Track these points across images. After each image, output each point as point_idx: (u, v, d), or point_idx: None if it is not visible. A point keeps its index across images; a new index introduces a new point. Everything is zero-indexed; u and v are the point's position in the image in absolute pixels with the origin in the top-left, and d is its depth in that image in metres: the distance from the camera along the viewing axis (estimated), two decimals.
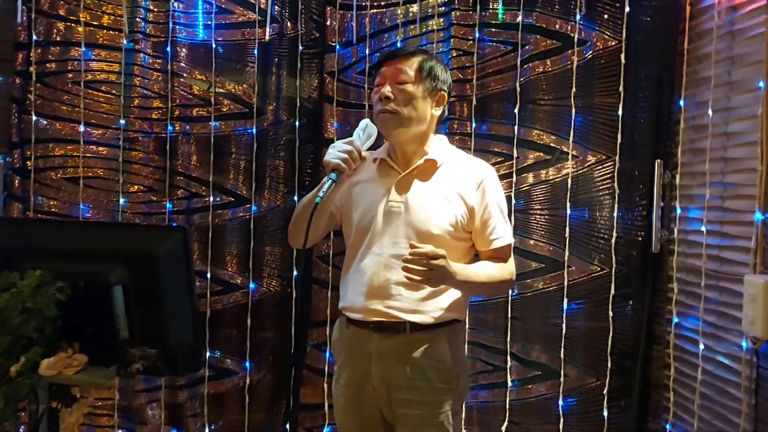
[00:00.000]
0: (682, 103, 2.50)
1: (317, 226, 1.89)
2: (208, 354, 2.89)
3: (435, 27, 2.84)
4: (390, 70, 1.92)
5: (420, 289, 1.86)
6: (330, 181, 1.78)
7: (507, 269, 1.95)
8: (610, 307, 2.67)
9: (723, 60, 2.24)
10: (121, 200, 2.93)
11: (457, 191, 1.92)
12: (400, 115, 1.89)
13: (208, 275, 2.92)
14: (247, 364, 2.93)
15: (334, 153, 1.83)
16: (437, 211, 1.90)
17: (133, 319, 1.63)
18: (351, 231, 1.98)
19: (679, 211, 2.52)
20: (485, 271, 1.91)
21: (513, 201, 2.75)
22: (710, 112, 2.27)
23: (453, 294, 1.92)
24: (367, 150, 1.94)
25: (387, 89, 1.89)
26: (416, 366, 1.88)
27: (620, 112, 2.63)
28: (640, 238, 2.63)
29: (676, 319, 2.51)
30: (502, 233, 1.94)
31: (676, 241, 2.53)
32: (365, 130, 1.93)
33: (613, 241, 2.66)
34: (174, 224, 2.85)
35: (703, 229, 2.30)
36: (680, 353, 2.49)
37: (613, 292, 2.66)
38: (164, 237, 1.71)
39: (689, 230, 2.46)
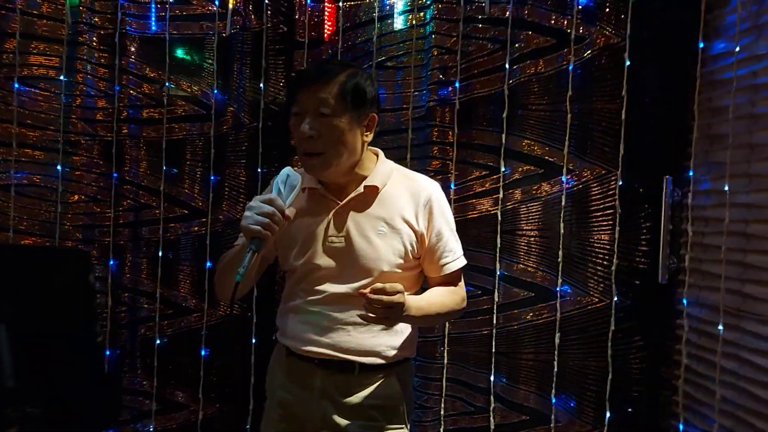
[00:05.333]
0: (695, 109, 2.39)
1: (248, 279, 1.75)
2: (155, 384, 2.78)
3: (415, 22, 2.71)
4: (308, 98, 1.77)
5: (370, 327, 1.81)
6: (251, 252, 1.61)
7: (459, 295, 1.92)
8: (609, 344, 2.54)
9: (747, 59, 2.13)
10: (59, 211, 2.80)
11: (404, 217, 1.84)
12: (327, 157, 1.77)
13: (158, 297, 2.81)
14: (201, 396, 2.80)
15: (253, 217, 1.64)
16: (384, 245, 1.81)
17: (22, 365, 1.44)
18: (290, 267, 1.90)
19: (691, 235, 2.39)
20: (438, 301, 1.86)
21: (499, 219, 2.63)
22: (731, 120, 2.17)
23: (404, 332, 1.88)
24: (290, 206, 1.72)
25: (307, 126, 1.74)
26: (363, 407, 1.84)
27: (623, 120, 2.51)
28: (644, 266, 2.52)
29: (686, 361, 2.39)
30: (453, 257, 1.91)
31: (687, 270, 2.41)
32: (286, 182, 1.71)
33: (613, 268, 2.54)
34: (72, 247, 2.73)
35: (722, 257, 2.18)
36: (691, 402, 2.36)
37: (612, 327, 2.54)
38: (61, 263, 1.58)
39: (704, 259, 2.33)
